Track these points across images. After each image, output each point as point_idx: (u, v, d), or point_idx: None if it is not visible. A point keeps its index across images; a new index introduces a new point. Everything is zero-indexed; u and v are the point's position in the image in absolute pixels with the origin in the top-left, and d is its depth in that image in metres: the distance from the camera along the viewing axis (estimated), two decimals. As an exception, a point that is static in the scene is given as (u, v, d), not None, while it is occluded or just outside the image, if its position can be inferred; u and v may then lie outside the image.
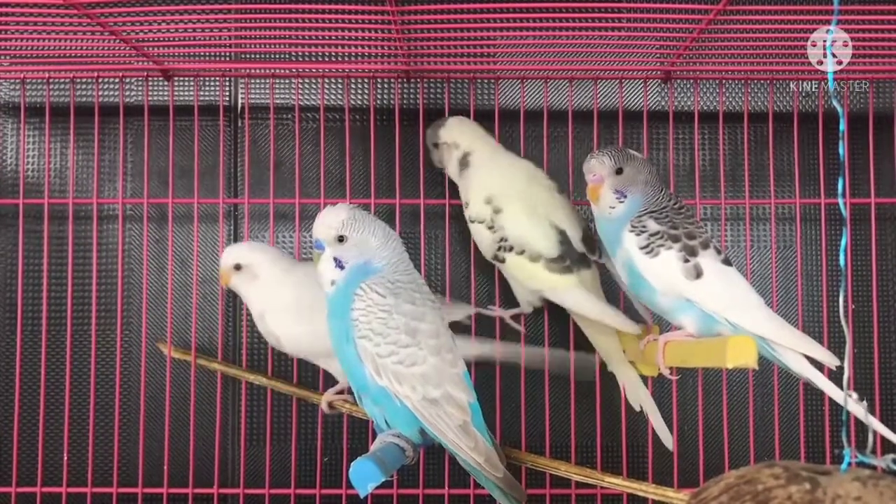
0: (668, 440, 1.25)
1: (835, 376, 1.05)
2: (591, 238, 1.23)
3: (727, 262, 1.10)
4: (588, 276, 1.22)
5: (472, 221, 1.24)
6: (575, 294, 1.21)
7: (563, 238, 1.21)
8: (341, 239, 1.05)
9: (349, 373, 1.07)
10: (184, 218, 1.40)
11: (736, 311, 1.06)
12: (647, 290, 1.11)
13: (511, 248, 1.21)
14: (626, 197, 1.12)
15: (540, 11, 1.08)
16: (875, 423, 1.05)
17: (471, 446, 1.03)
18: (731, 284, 1.08)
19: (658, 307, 1.13)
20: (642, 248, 1.09)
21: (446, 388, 1.03)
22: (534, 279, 1.21)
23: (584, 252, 1.22)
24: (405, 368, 1.02)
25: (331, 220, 1.06)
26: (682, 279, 1.07)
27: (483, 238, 1.23)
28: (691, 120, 1.37)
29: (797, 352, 1.06)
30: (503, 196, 1.22)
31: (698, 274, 1.07)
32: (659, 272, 1.08)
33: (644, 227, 1.10)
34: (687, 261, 1.07)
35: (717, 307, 1.06)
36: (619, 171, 1.12)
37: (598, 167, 1.13)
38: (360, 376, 1.04)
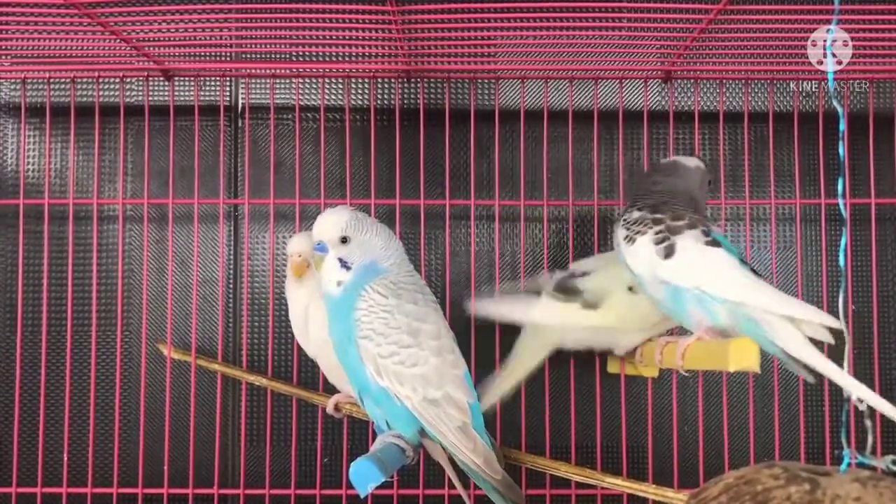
0: None
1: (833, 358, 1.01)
2: (572, 290, 1.19)
3: (714, 243, 1.01)
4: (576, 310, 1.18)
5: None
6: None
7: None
8: (345, 240, 1.05)
9: (350, 374, 1.07)
10: (184, 218, 1.40)
11: (709, 281, 0.97)
12: (645, 288, 1.05)
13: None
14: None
15: (540, 11, 1.08)
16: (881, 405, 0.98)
17: (470, 448, 1.03)
18: (708, 261, 0.99)
19: (663, 306, 1.05)
20: (625, 238, 1.05)
21: (447, 389, 1.03)
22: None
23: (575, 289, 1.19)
24: (406, 369, 1.02)
25: (334, 220, 1.06)
26: (657, 260, 1.00)
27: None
28: (691, 120, 1.37)
29: (780, 315, 0.96)
30: None
31: (668, 254, 1.00)
32: (636, 258, 1.03)
33: (627, 217, 1.06)
34: (661, 242, 1.01)
35: (689, 282, 0.98)
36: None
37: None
38: (362, 377, 1.04)
